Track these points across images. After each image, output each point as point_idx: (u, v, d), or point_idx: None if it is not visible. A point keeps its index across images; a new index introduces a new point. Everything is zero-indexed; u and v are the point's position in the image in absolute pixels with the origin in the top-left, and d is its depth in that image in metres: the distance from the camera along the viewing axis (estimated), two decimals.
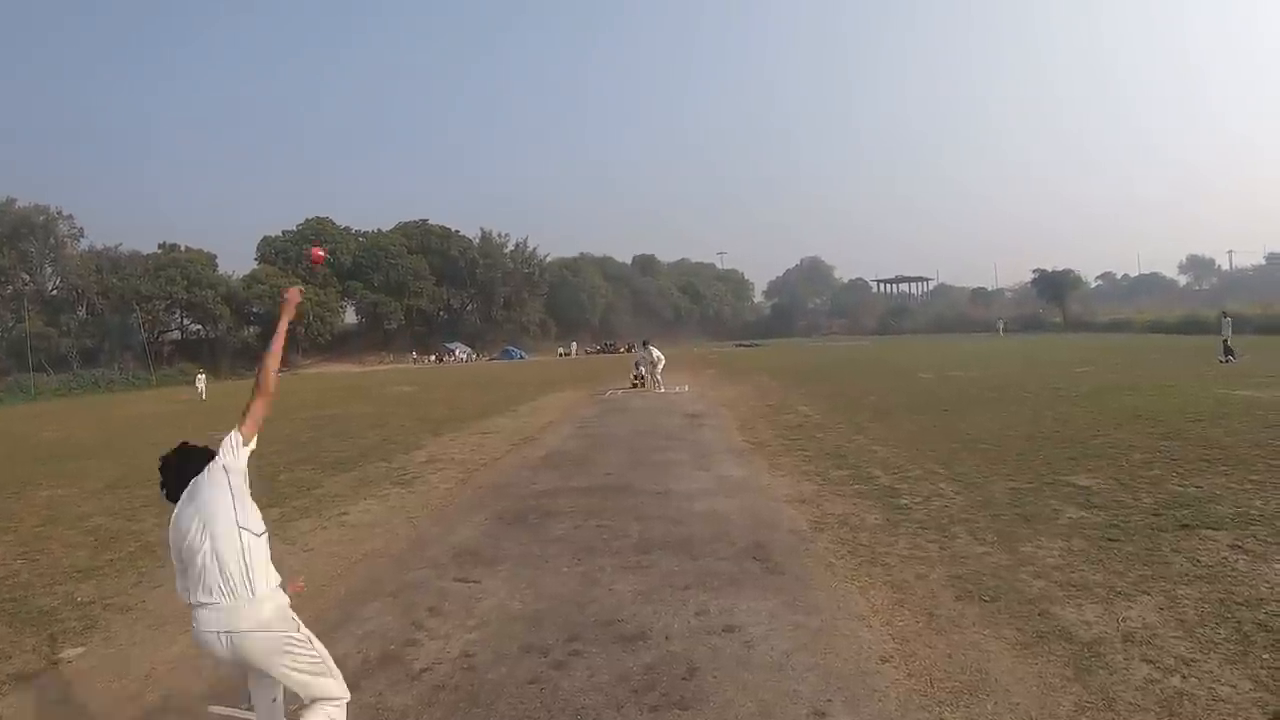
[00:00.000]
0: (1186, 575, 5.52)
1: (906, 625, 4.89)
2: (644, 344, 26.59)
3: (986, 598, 5.28)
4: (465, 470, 11.66)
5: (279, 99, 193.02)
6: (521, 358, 70.84)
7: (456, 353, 78.38)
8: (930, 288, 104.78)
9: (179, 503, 3.10)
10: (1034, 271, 70.66)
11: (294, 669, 3.04)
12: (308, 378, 57.33)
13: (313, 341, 73.38)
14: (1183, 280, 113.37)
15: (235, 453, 3.18)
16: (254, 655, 2.98)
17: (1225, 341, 25.49)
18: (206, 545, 2.96)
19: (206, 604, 2.94)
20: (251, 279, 71.59)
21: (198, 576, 2.96)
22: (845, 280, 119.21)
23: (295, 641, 3.06)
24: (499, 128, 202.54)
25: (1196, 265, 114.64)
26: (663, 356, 25.05)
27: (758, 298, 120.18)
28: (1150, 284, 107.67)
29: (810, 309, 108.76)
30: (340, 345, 78.18)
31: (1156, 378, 20.03)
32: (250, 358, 70.25)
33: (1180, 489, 8.10)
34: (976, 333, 62.18)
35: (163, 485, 3.17)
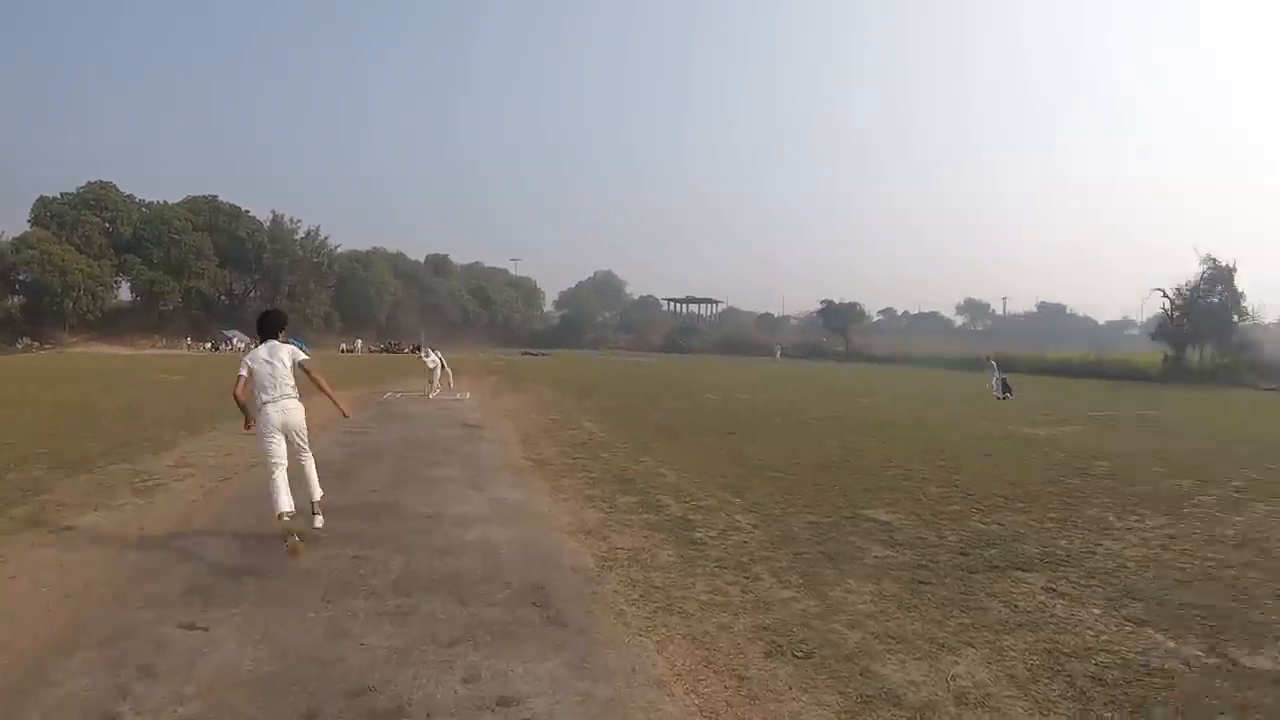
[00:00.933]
0: (1007, 623, 5.55)
1: (714, 692, 4.36)
2: (416, 347, 26.56)
3: (800, 654, 4.91)
4: (215, 478, 10.71)
5: (57, 46, 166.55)
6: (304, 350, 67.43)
7: (234, 341, 76.80)
8: (719, 310, 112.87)
9: (261, 347, 7.41)
10: (821, 302, 78.52)
11: (303, 432, 7.59)
12: (73, 357, 54.74)
13: (80, 318, 73.12)
14: (959, 321, 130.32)
15: (297, 356, 7.49)
16: (293, 421, 7.39)
17: (1004, 380, 29.27)
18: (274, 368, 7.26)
19: (271, 399, 7.26)
20: (21, 243, 72.47)
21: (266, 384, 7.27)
22: (636, 296, 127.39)
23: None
24: (305, 108, 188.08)
25: (973, 308, 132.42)
26: (440, 360, 24.93)
27: (548, 307, 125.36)
28: (929, 322, 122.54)
29: (599, 322, 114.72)
30: (110, 324, 77.18)
31: (939, 411, 22.50)
32: (13, 330, 70.23)
33: (983, 526, 8.57)
34: (759, 356, 67.31)
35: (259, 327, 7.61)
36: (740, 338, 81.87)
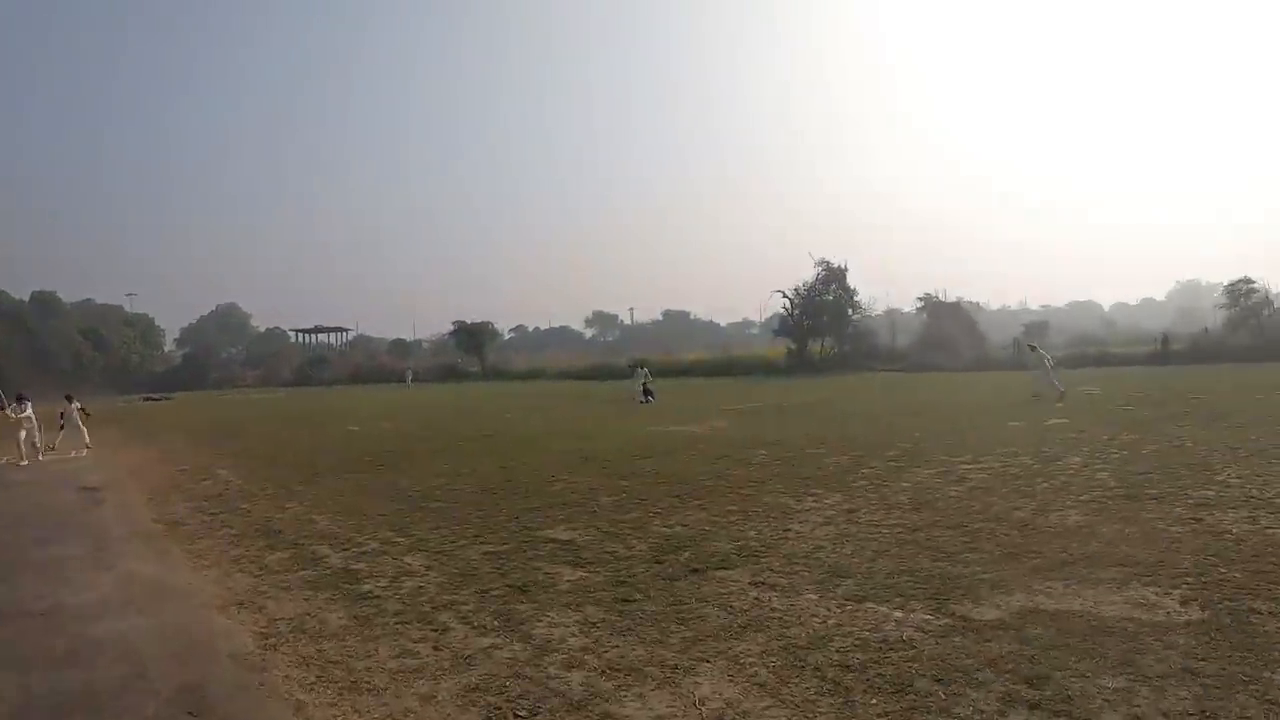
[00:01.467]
0: (730, 627, 5.46)
1: None
2: (18, 399, 21.49)
3: (523, 713, 4.30)
4: None
5: None
6: None
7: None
8: (349, 338, 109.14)
9: None
10: (454, 323, 78.40)
11: None
12: None
13: None
14: (589, 333, 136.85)
15: None
16: None
17: (645, 384, 30.87)
18: None
19: None
20: None
21: None
22: (262, 329, 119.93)
23: None
24: None
25: (601, 319, 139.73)
26: (33, 417, 20.46)
27: (169, 346, 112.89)
28: (560, 336, 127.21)
29: (224, 358, 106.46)
30: None
31: (588, 420, 23.24)
32: None
33: (668, 530, 8.69)
34: (393, 383, 65.46)
35: None
36: (372, 366, 79.35)
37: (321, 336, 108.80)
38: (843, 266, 53.99)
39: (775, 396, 30.70)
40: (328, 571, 7.81)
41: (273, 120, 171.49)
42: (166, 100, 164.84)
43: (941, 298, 56.23)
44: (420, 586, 7.00)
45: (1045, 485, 10.33)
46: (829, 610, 5.70)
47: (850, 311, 54.24)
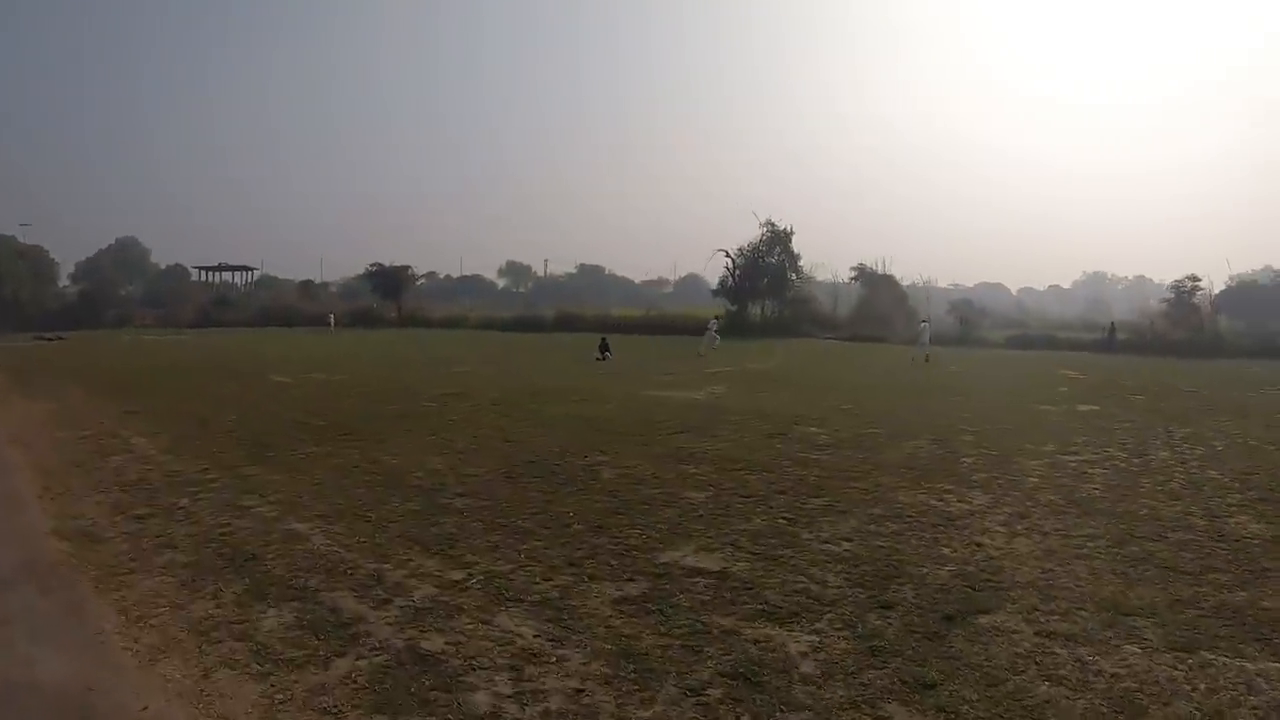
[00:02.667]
0: (1075, 710, 3.10)
1: None
2: None
3: None
4: None
5: None
6: None
7: None
8: (255, 278, 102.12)
9: None
10: (371, 265, 73.03)
11: None
12: None
13: None
14: (502, 283, 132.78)
15: None
16: None
17: (603, 341, 28.43)
18: None
19: None
20: None
21: None
22: (163, 266, 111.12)
23: None
24: None
25: (515, 270, 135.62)
26: None
27: (64, 281, 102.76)
28: (472, 285, 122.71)
29: (122, 296, 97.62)
30: None
31: (557, 377, 20.56)
32: None
33: (836, 549, 6.61)
34: (308, 326, 60.11)
35: None
36: (281, 308, 72.75)
37: (226, 276, 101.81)
38: (788, 230, 51.67)
39: (734, 359, 28.49)
40: (384, 661, 4.62)
41: (182, 45, 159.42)
42: (70, 17, 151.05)
43: (877, 269, 55.00)
44: (576, 693, 4.22)
45: (1173, 484, 9.22)
46: (1171, 669, 4.31)
47: (793, 276, 52.23)
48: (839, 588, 5.63)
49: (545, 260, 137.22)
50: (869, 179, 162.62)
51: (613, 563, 6.24)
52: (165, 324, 67.66)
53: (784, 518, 7.51)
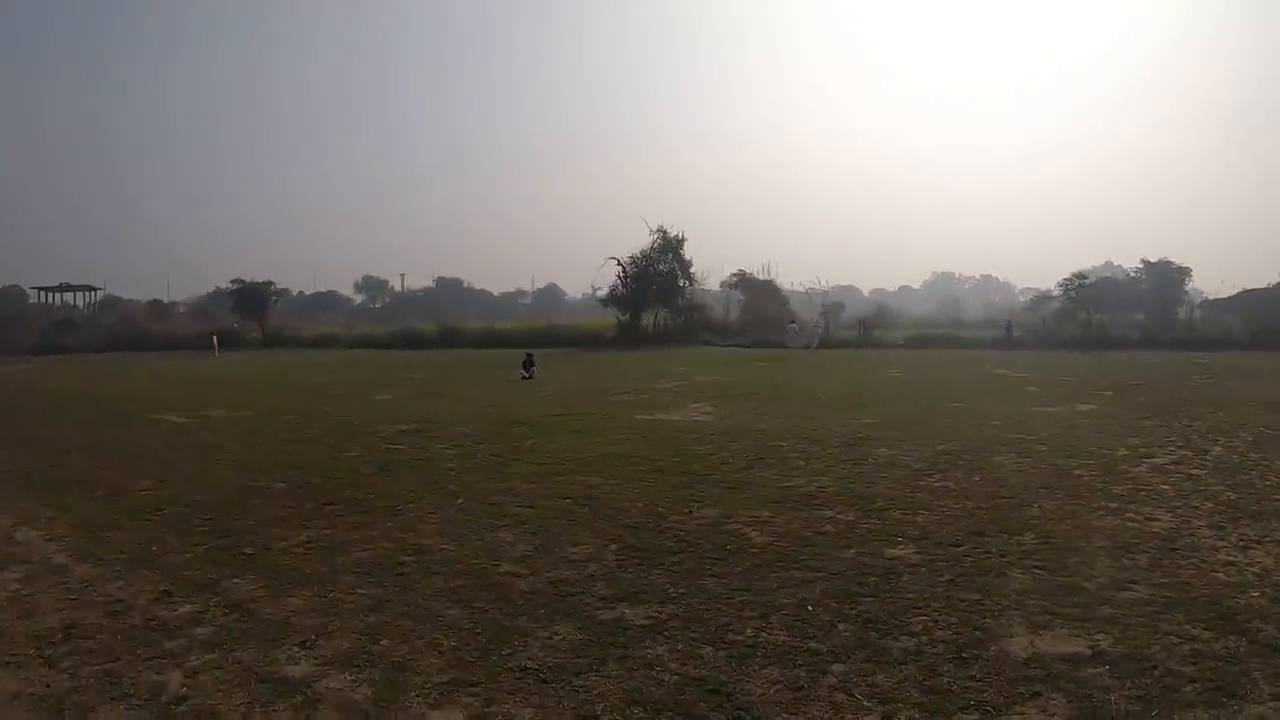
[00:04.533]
0: None
1: None
2: None
3: None
4: None
5: None
6: None
7: None
8: (98, 298, 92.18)
9: None
10: (233, 282, 66.92)
11: None
12: None
13: None
14: (359, 298, 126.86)
15: None
16: None
17: (528, 358, 26.18)
18: None
19: None
20: None
21: None
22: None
23: None
24: None
25: (371, 285, 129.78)
26: None
27: None
28: (328, 300, 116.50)
29: None
30: None
31: (513, 403, 18.08)
32: None
33: None
34: (175, 350, 52.87)
35: None
36: (129, 330, 64.71)
37: (68, 297, 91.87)
38: (680, 236, 50.24)
39: (664, 372, 26.77)
40: None
41: (19, 54, 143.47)
42: None
43: (756, 275, 54.60)
44: None
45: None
46: None
47: (685, 284, 50.89)
48: None
49: (402, 275, 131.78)
50: (737, 191, 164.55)
51: (972, 678, 4.34)
52: (4, 351, 59.24)
53: (1037, 567, 6.07)
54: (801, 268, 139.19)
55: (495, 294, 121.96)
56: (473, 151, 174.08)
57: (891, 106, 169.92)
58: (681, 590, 5.86)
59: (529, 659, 4.72)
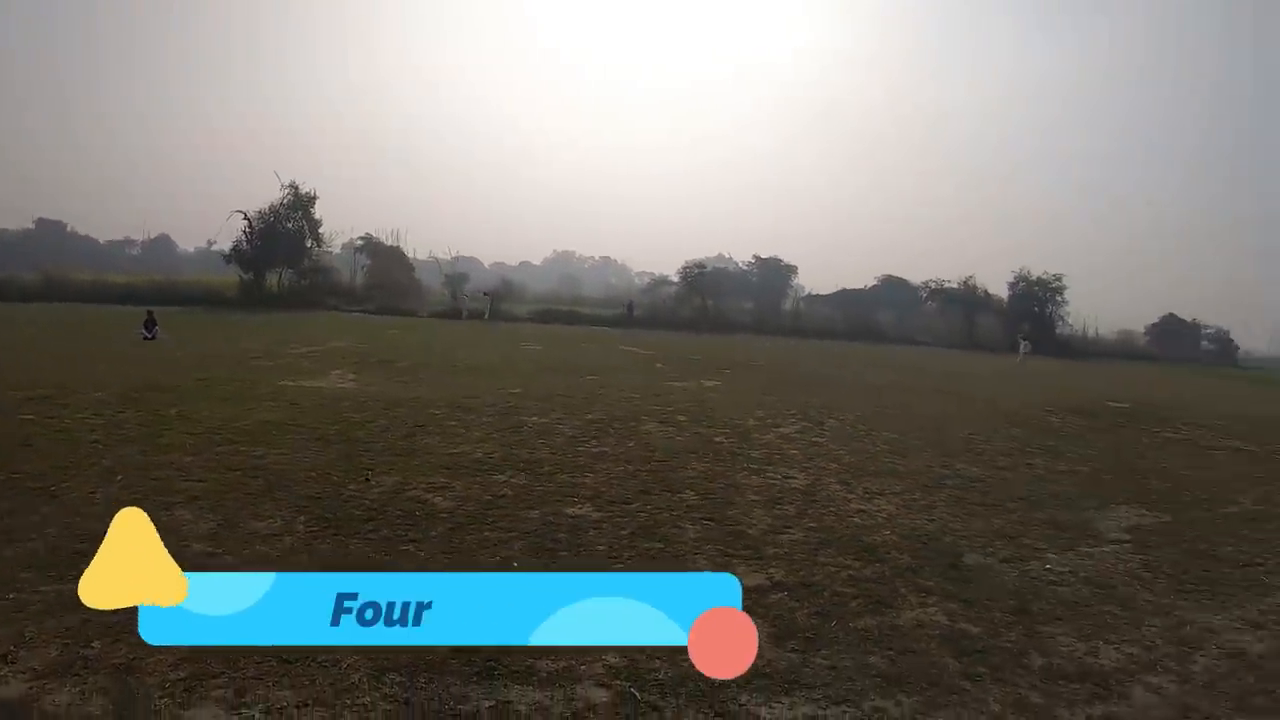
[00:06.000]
0: None
1: None
2: None
3: None
4: None
5: None
6: None
7: None
8: None
9: None
10: None
11: None
12: None
13: None
14: None
15: None
16: None
17: (149, 315, 23.35)
18: None
19: None
20: None
21: None
22: None
23: None
24: None
25: None
26: None
27: None
28: None
29: None
30: None
31: (144, 367, 15.53)
32: None
33: None
34: None
35: None
36: None
37: None
38: (312, 194, 46.72)
39: (292, 332, 25.03)
40: None
41: None
42: None
43: (384, 240, 52.88)
44: None
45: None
46: None
47: (312, 244, 47.49)
48: None
49: None
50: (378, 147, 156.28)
51: None
52: None
53: (704, 519, 6.80)
54: (431, 236, 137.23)
55: (101, 241, 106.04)
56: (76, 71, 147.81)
57: (548, 89, 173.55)
58: (387, 557, 5.82)
59: None
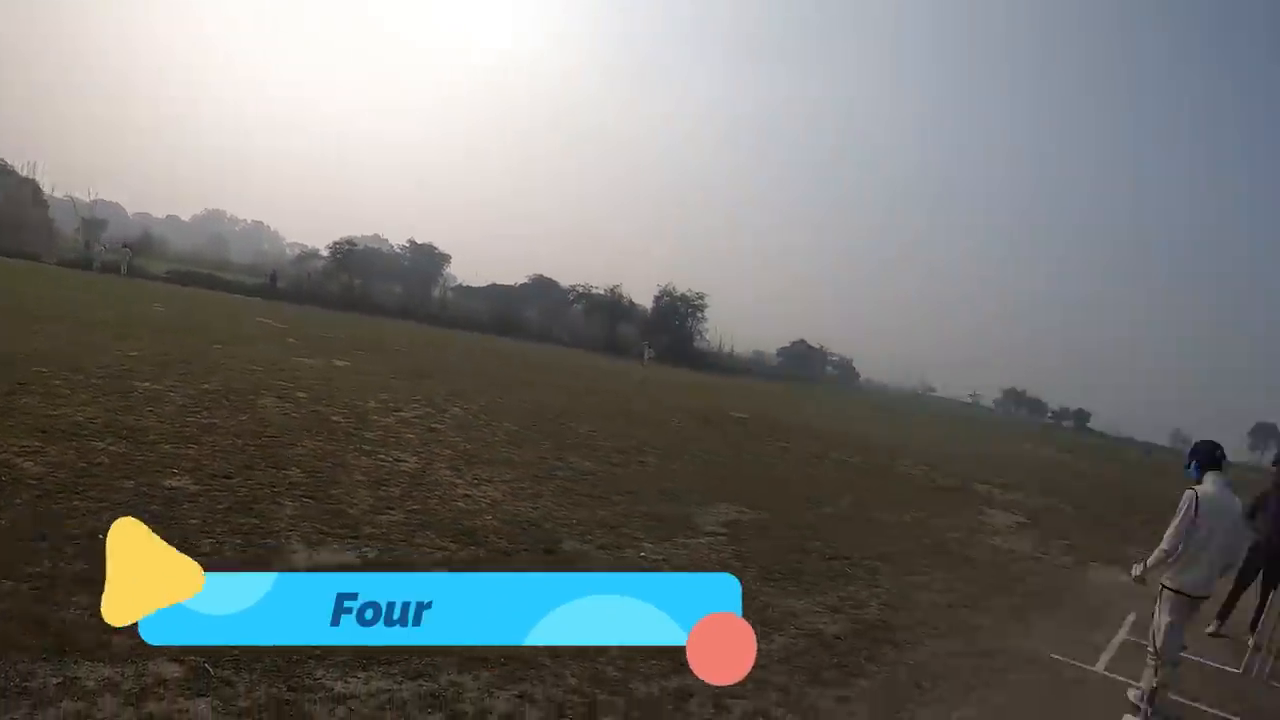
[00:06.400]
0: None
1: None
2: None
3: None
4: None
5: None
6: None
7: None
8: None
9: None
10: None
11: None
12: None
13: None
14: None
15: None
16: None
17: None
18: None
19: None
20: None
21: None
22: None
23: None
24: None
25: None
26: None
27: None
28: None
29: None
30: None
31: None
32: None
33: None
34: None
35: None
36: None
37: None
38: None
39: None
40: None
41: None
42: None
43: (17, 169, 43.71)
44: None
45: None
46: None
47: None
48: None
49: None
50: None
51: None
52: None
53: (305, 496, 6.81)
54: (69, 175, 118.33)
55: None
56: None
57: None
58: None
59: None
